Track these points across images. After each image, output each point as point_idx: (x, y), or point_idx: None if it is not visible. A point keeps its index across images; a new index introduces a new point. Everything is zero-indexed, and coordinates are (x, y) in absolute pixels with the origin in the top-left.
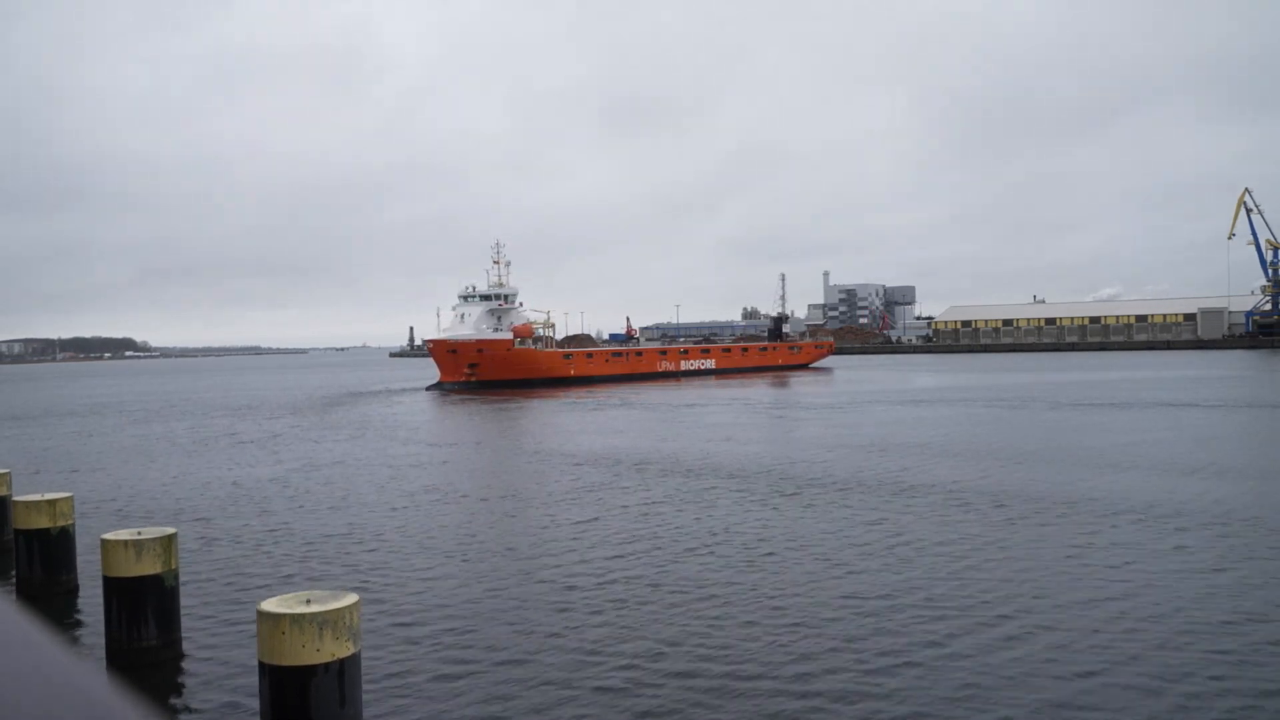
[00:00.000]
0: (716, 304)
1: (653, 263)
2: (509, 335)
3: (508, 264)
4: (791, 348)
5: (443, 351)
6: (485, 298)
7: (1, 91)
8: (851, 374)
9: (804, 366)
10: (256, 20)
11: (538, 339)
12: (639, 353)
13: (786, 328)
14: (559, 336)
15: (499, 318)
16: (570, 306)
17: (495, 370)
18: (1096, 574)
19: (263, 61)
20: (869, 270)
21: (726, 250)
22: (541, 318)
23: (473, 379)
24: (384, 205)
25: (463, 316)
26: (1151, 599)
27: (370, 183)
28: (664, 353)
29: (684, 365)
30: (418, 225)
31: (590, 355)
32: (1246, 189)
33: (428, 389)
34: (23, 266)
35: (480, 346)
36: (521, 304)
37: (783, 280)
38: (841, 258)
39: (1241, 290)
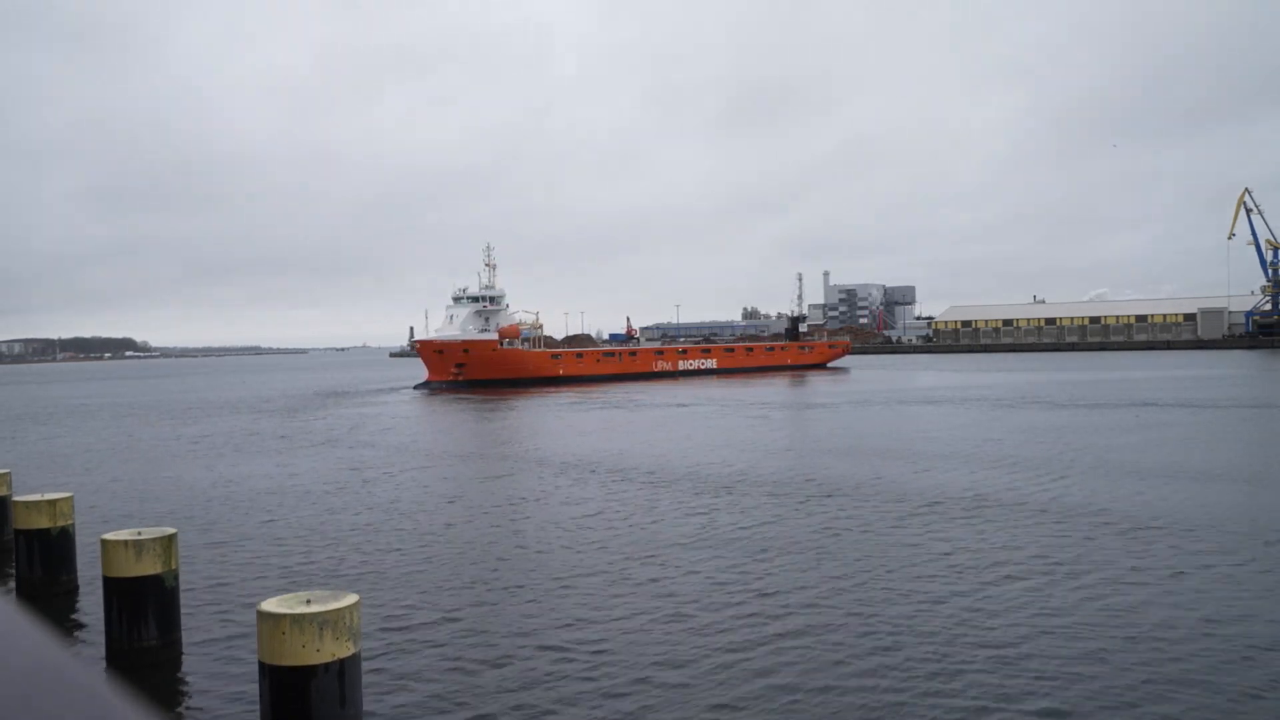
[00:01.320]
0: (719, 305)
1: (687, 264)
2: (495, 336)
3: (493, 267)
4: (802, 347)
5: (430, 352)
6: (474, 299)
7: (155, 87)
8: (868, 374)
9: (818, 367)
10: (443, 9)
11: (526, 339)
12: (633, 353)
13: (803, 327)
14: (559, 336)
15: (486, 319)
16: (584, 307)
17: (482, 370)
18: None
19: (426, 53)
20: (899, 270)
21: (773, 250)
22: (530, 319)
23: (460, 378)
24: (463, 203)
25: (451, 318)
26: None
27: (461, 180)
28: (660, 353)
29: (682, 365)
30: (482, 224)
31: (580, 355)
32: (1246, 189)
33: (415, 387)
34: (90, 263)
35: (466, 347)
36: (508, 305)
37: (800, 280)
38: (879, 257)
39: (1241, 290)
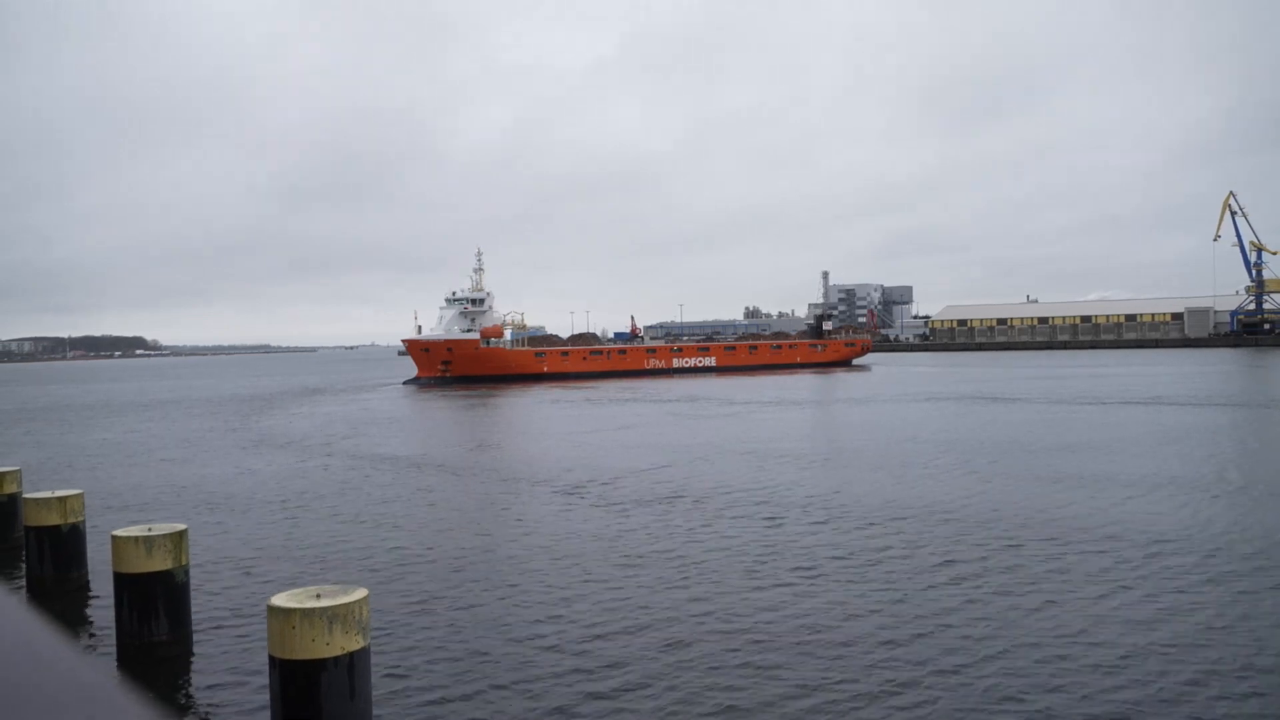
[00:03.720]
0: (728, 304)
1: (742, 264)
2: (477, 335)
3: (479, 270)
4: (813, 345)
5: (417, 350)
6: (461, 300)
7: (444, 79)
8: (891, 370)
9: (835, 365)
10: None
11: (518, 339)
12: (622, 351)
13: (828, 324)
14: (565, 335)
15: (472, 319)
16: (594, 305)
17: (466, 367)
18: None
19: (715, 44)
20: (959, 269)
21: (851, 250)
22: (517, 319)
23: (447, 375)
24: (594, 204)
25: (441, 318)
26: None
27: (620, 180)
28: (653, 351)
29: (677, 364)
30: (617, 221)
31: (565, 354)
32: (1231, 192)
33: (404, 383)
34: (218, 256)
35: (450, 346)
36: (490, 307)
37: (825, 278)
38: (902, 257)
39: (1226, 290)
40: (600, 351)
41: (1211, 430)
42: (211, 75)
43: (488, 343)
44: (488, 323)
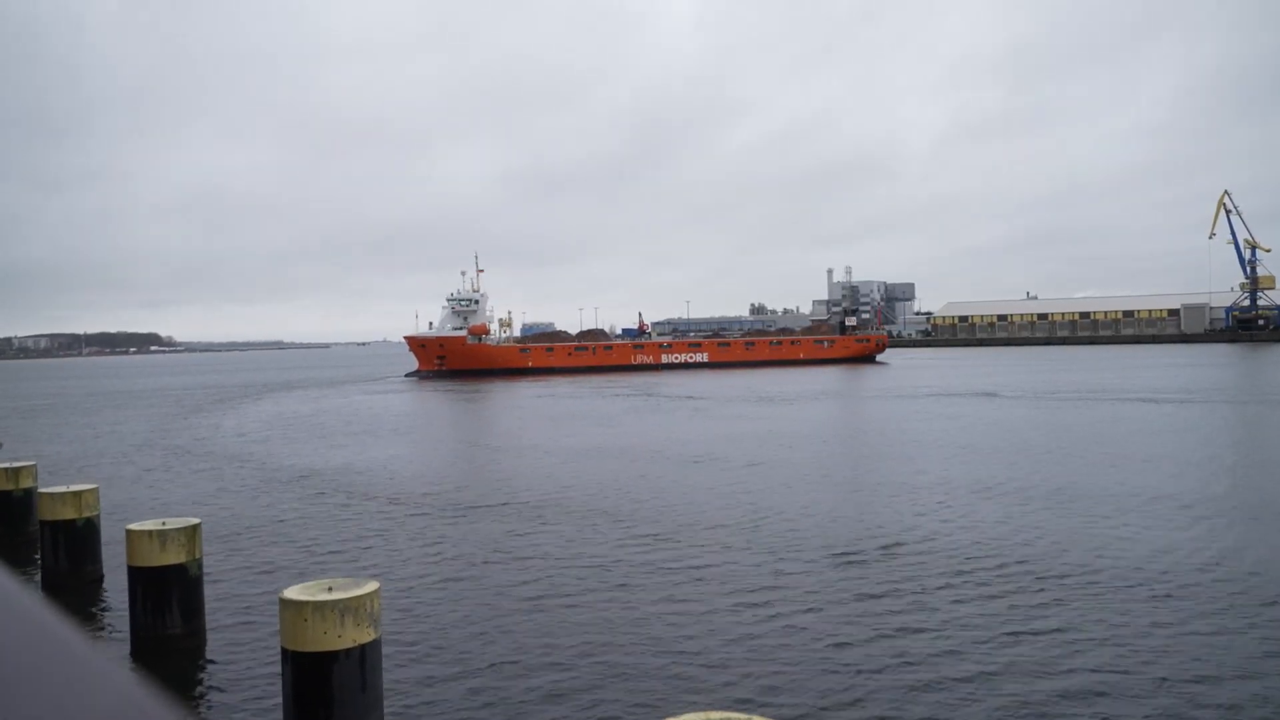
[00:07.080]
0: (728, 302)
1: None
2: (466, 333)
3: (479, 271)
4: (819, 341)
5: (415, 346)
6: (457, 300)
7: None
8: (908, 364)
9: (849, 360)
10: None
11: (526, 337)
12: (608, 347)
13: (851, 320)
14: (574, 331)
15: (464, 318)
16: (607, 303)
17: (458, 361)
18: None
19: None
20: (1035, 266)
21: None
22: (504, 317)
23: (442, 368)
24: (808, 196)
25: (440, 316)
26: None
27: (865, 169)
28: (639, 346)
29: (665, 359)
30: (776, 217)
31: (550, 349)
32: (1226, 191)
33: (405, 375)
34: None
35: (441, 342)
36: (481, 307)
37: (848, 273)
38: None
39: (1222, 287)
40: (585, 348)
41: None
42: (580, 71)
43: (478, 339)
44: (477, 321)
